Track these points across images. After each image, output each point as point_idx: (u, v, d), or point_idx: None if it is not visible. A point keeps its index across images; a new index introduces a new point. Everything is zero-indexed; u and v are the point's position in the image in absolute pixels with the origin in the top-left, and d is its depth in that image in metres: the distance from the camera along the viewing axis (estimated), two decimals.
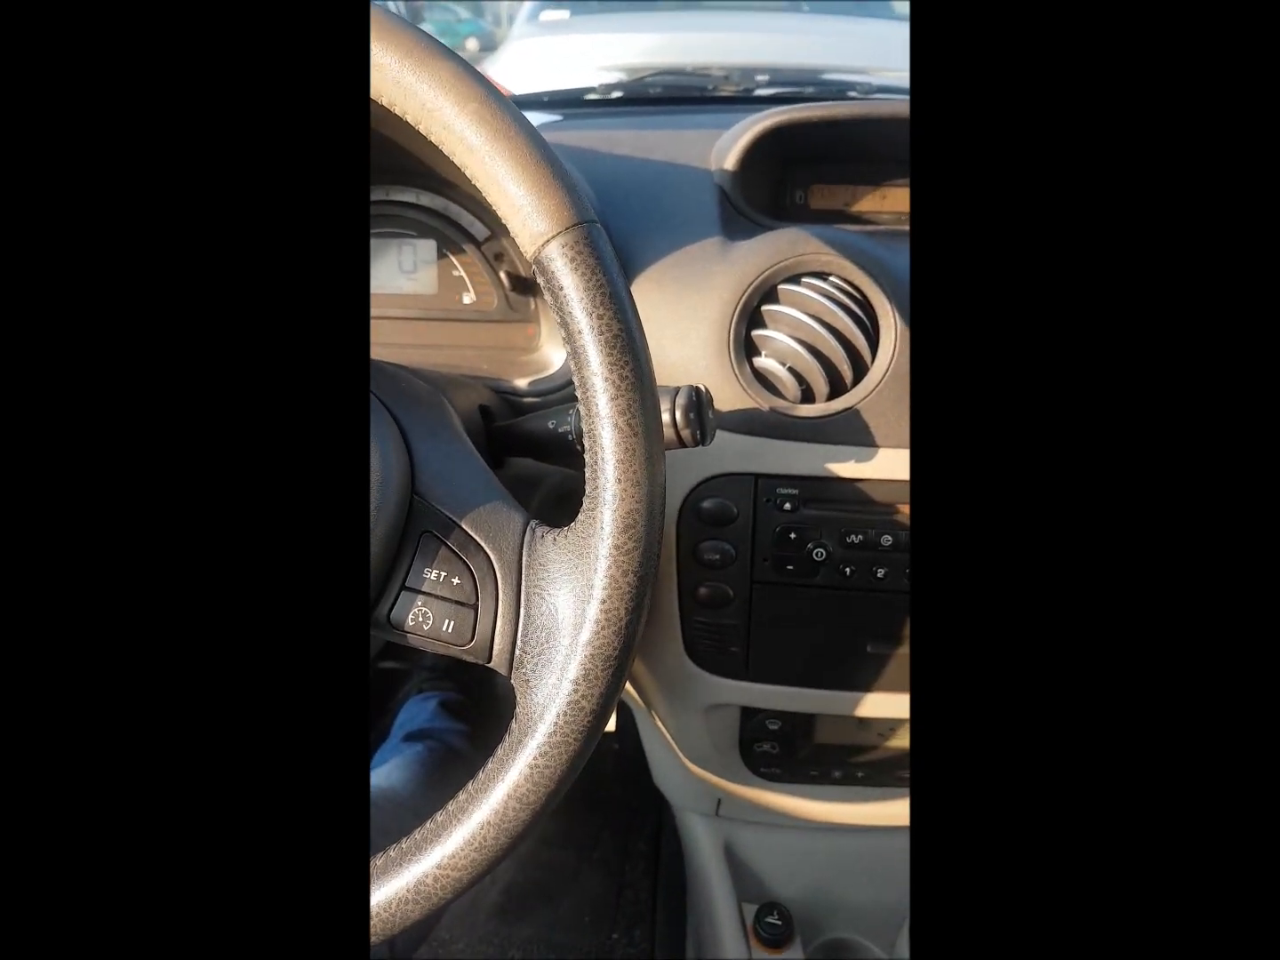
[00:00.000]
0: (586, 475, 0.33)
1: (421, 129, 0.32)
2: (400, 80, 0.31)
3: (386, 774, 0.76)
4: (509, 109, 0.32)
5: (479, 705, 1.05)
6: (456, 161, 0.32)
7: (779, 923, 0.76)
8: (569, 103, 0.97)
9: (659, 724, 0.69)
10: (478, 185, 0.32)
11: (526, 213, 0.31)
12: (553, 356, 0.62)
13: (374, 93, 0.32)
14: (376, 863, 0.34)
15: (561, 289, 0.31)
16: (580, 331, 0.31)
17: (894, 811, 0.68)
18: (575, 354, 0.32)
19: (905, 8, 2.17)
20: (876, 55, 1.73)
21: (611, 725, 0.71)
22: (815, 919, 0.79)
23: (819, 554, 0.54)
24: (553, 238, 0.31)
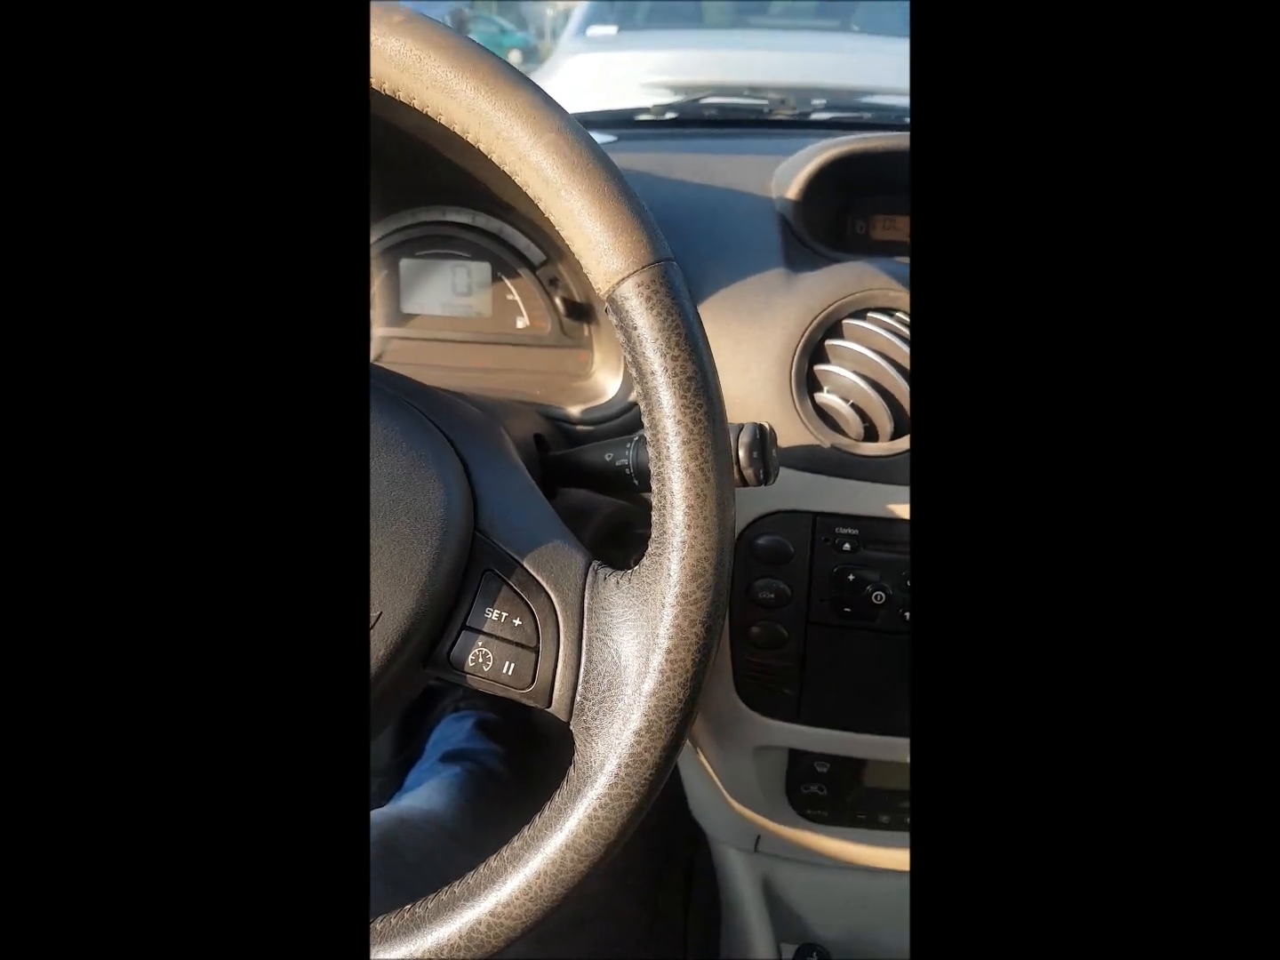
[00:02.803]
0: (654, 518, 0.32)
1: (495, 158, 0.31)
2: (475, 107, 0.31)
3: (427, 796, 0.76)
4: (587, 141, 0.31)
5: (515, 725, 1.04)
6: (530, 193, 0.31)
7: None
8: (622, 122, 0.97)
9: (703, 761, 0.67)
10: (551, 218, 0.31)
11: (602, 249, 0.30)
12: (606, 383, 0.61)
13: (447, 119, 0.31)
14: (429, 905, 0.34)
15: (635, 329, 0.30)
16: (653, 373, 0.30)
17: None
18: (646, 395, 0.31)
19: None
20: None
21: None
22: None
23: (879, 597, 0.52)
24: (628, 276, 0.30)
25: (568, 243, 0.31)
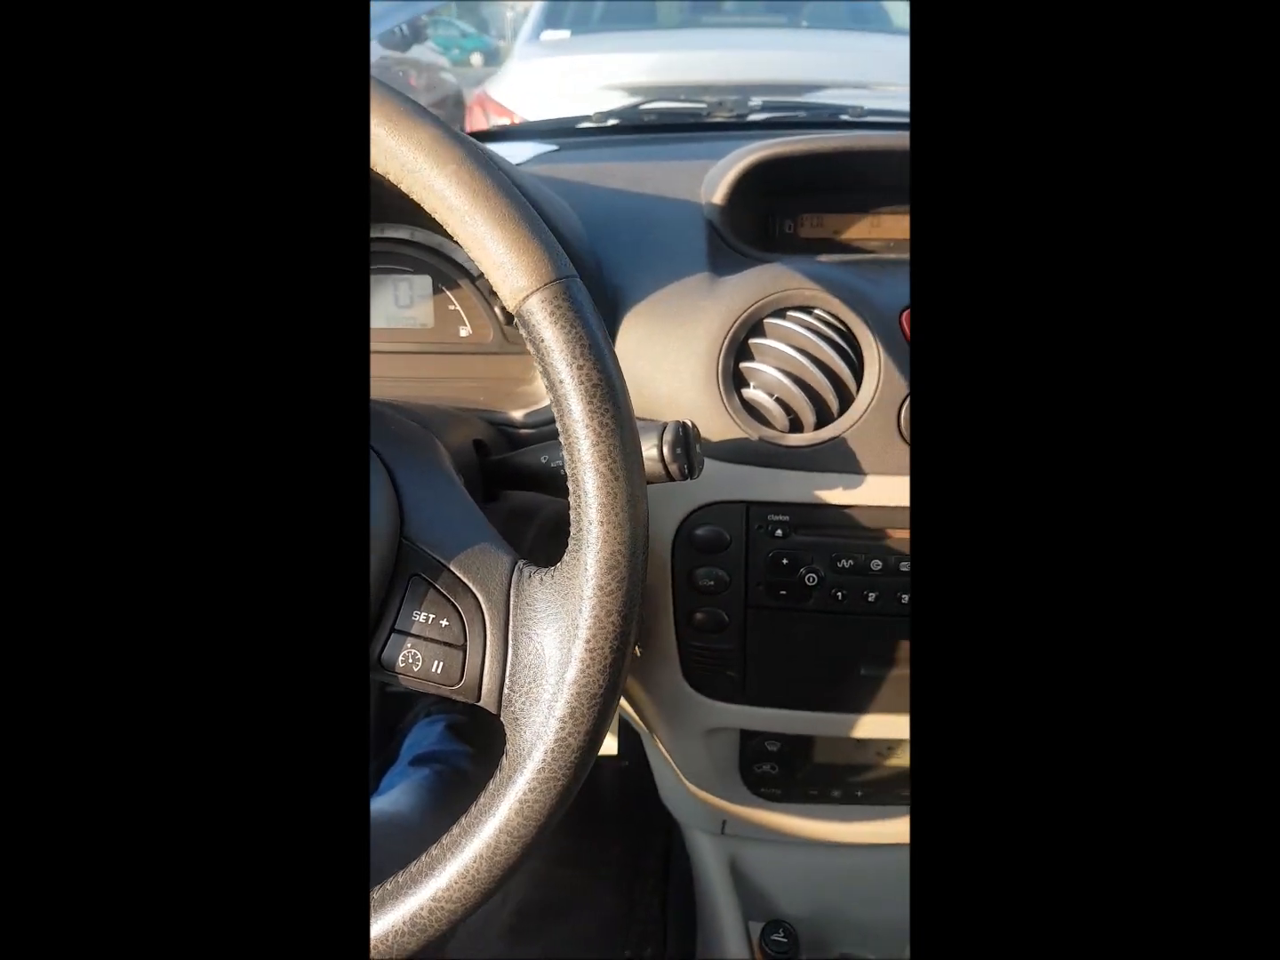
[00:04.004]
0: (571, 517, 0.34)
1: (404, 188, 0.33)
2: (381, 144, 0.33)
3: (394, 799, 0.77)
4: (487, 169, 0.33)
5: (487, 727, 1.06)
6: (438, 219, 0.33)
7: (784, 940, 0.76)
8: (565, 132, 0.99)
9: (659, 746, 0.70)
10: (460, 242, 0.33)
11: (507, 269, 0.32)
12: None
13: None
14: (374, 895, 0.35)
15: (543, 341, 0.32)
16: (562, 381, 0.32)
17: (894, 829, 0.69)
18: (557, 402, 0.33)
19: (903, 20, 2.19)
20: (874, 70, 1.75)
21: (613, 748, 0.72)
22: (821, 936, 0.80)
23: (811, 579, 0.55)
24: (533, 293, 0.32)
25: (477, 264, 0.33)
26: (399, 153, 0.32)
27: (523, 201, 0.33)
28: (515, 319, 0.33)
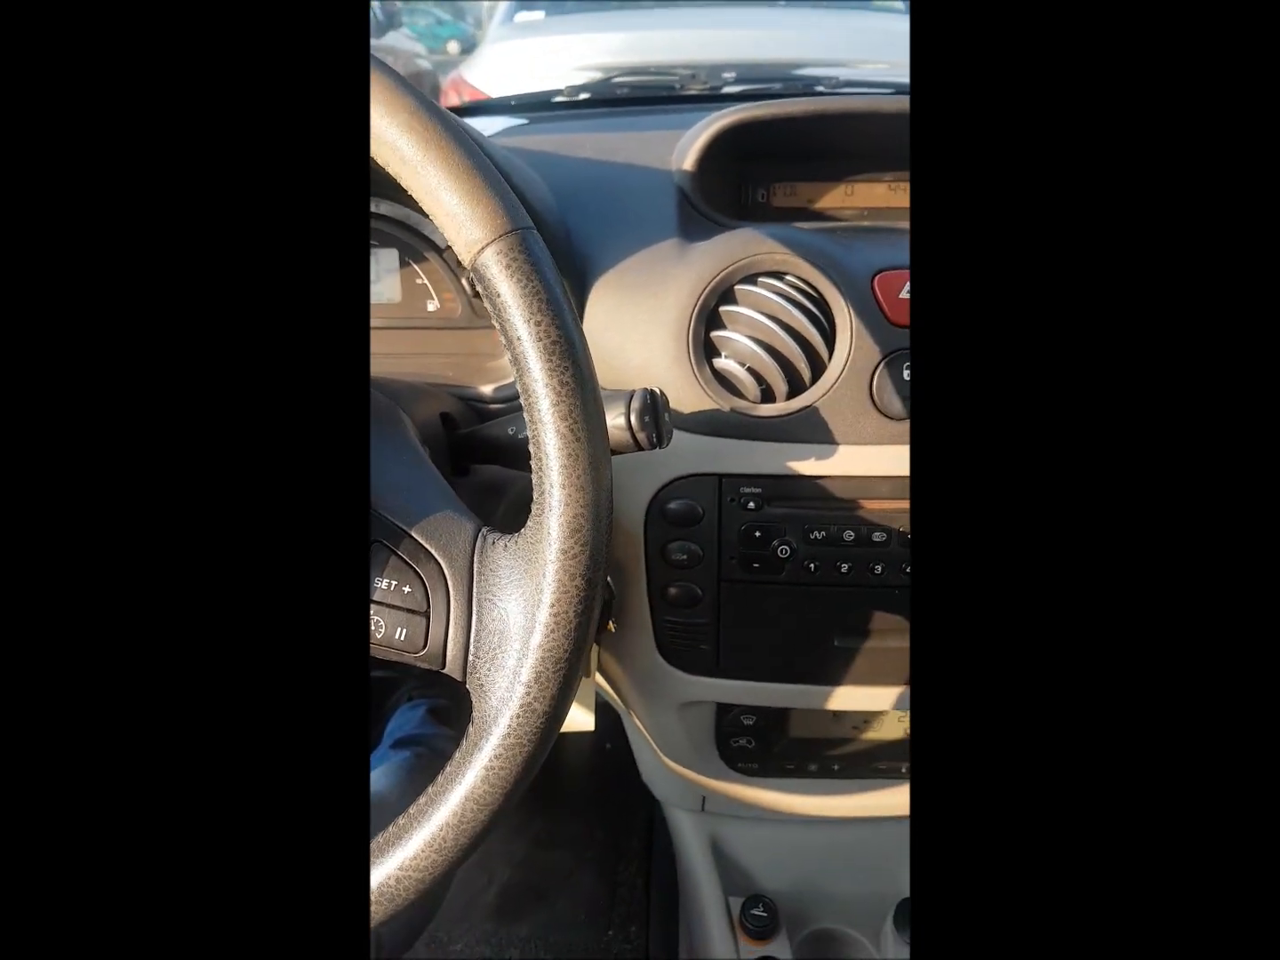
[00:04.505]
0: (534, 481, 0.33)
1: None
2: None
3: (374, 780, 0.77)
4: (440, 118, 0.32)
5: (468, 710, 1.05)
6: (391, 172, 0.32)
7: (764, 915, 0.77)
8: (536, 106, 0.98)
9: (636, 723, 0.69)
10: (413, 195, 0.32)
11: (461, 220, 0.31)
12: None
13: None
14: None
15: (499, 295, 0.31)
16: (519, 338, 0.31)
17: (871, 803, 0.69)
18: (515, 360, 0.32)
19: None
20: (852, 47, 1.74)
21: (590, 724, 0.72)
22: (801, 910, 0.80)
23: (784, 551, 0.55)
24: (487, 245, 0.31)
25: (432, 218, 0.32)
26: None
27: (477, 152, 0.32)
28: (471, 274, 0.32)
